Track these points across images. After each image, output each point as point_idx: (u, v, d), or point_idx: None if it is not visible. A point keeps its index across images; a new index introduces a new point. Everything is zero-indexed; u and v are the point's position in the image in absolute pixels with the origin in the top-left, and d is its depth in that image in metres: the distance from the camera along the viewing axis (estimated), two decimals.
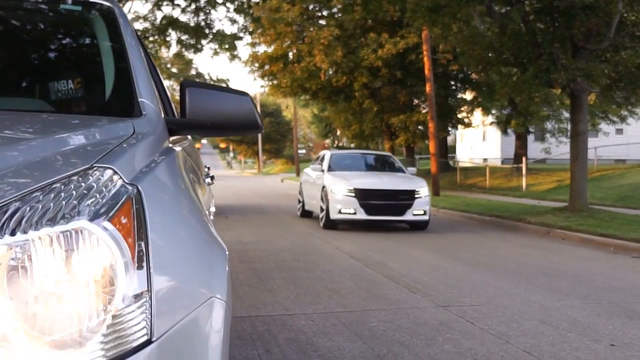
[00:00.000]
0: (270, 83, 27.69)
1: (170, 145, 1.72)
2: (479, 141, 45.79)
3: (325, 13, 25.99)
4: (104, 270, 0.96)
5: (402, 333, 4.17)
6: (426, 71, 19.78)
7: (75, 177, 1.07)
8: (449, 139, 39.97)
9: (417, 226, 11.21)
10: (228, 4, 18.10)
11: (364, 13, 21.25)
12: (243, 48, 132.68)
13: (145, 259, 1.02)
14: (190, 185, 1.64)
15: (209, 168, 3.85)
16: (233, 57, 19.61)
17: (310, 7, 25.24)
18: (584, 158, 12.58)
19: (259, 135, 60.30)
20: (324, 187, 11.22)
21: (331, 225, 10.89)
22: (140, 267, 1.00)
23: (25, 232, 0.93)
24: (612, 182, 19.57)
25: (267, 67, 26.50)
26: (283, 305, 4.98)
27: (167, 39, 18.00)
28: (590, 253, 8.50)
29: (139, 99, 1.71)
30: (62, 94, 1.93)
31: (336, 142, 51.18)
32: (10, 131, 1.38)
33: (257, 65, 26.77)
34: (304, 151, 75.01)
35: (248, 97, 1.85)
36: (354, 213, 10.63)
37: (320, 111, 44.37)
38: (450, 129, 31.40)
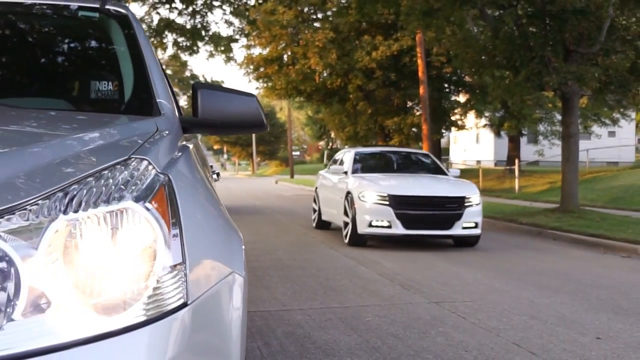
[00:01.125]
0: (265, 85, 27.77)
1: (185, 142, 1.86)
2: (472, 143, 46.01)
3: (320, 16, 26.11)
4: (146, 244, 1.11)
5: (396, 327, 4.31)
6: (420, 74, 19.95)
7: (118, 166, 1.24)
8: (443, 141, 40.15)
9: (466, 242, 9.02)
10: (224, 7, 18.23)
11: (358, 16, 21.36)
12: (238, 50, 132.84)
13: (179, 236, 1.18)
14: (205, 179, 1.79)
15: (212, 166, 3.99)
16: (228, 59, 19.74)
17: (305, 9, 25.36)
18: (575, 160, 12.77)
19: (253, 137, 60.39)
20: (348, 193, 9.11)
21: (359, 241, 8.77)
22: (175, 243, 1.16)
23: (85, 210, 1.08)
24: (604, 184, 19.78)
25: (262, 69, 26.56)
26: (280, 301, 5.11)
27: (164, 41, 18.13)
28: (580, 253, 8.67)
29: (157, 100, 1.86)
30: (84, 94, 2.07)
31: (330, 144, 51.24)
32: (62, 127, 1.58)
33: (252, 67, 26.83)
34: (298, 153, 75.16)
35: (254, 98, 2.00)
36: (389, 226, 8.50)
37: (315, 113, 44.41)
38: (443, 131, 31.54)
